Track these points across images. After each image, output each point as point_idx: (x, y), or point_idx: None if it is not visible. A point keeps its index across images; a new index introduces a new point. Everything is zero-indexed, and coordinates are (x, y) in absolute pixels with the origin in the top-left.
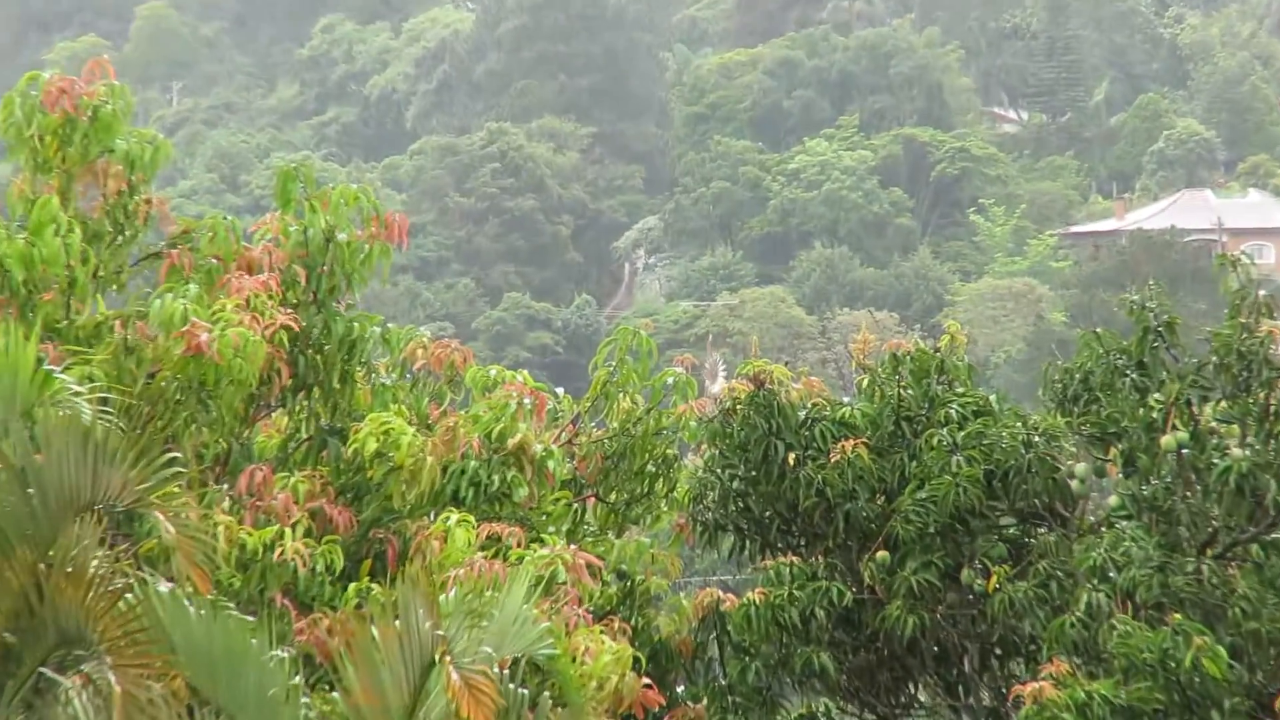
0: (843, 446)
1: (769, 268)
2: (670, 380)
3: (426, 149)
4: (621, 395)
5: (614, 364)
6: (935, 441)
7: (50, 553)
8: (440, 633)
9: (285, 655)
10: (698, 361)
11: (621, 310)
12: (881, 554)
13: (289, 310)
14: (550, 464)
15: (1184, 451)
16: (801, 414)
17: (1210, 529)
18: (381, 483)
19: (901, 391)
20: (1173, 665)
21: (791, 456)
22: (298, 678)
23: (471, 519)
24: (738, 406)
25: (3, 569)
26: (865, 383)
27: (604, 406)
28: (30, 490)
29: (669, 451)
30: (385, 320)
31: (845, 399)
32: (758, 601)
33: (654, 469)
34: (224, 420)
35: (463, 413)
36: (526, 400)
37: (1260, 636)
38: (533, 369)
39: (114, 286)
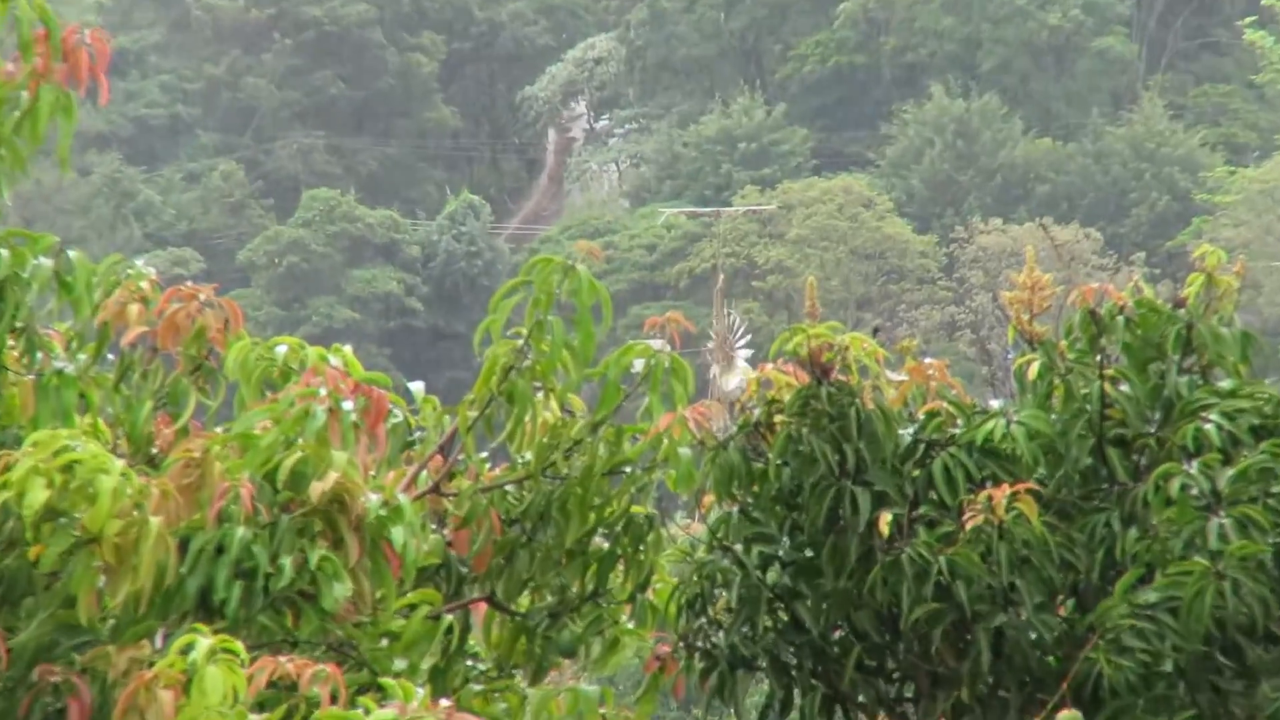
0: (989, 498)
1: (837, 136)
2: (638, 365)
3: None
4: (541, 395)
5: (526, 333)
6: (1176, 489)
7: None
8: None
9: None
10: (693, 327)
11: (540, 224)
12: (1068, 714)
13: None
14: (396, 535)
15: None
16: (906, 433)
17: None
18: (57, 571)
19: (1109, 386)
20: None
21: (885, 519)
22: None
23: (238, 645)
24: (777, 418)
25: None
26: (1035, 370)
27: (506, 417)
28: None
29: (637, 510)
30: (63, 245)
31: (994, 402)
32: None
33: (606, 544)
34: None
35: (221, 430)
36: (348, 405)
37: None
38: (362, 342)
39: None
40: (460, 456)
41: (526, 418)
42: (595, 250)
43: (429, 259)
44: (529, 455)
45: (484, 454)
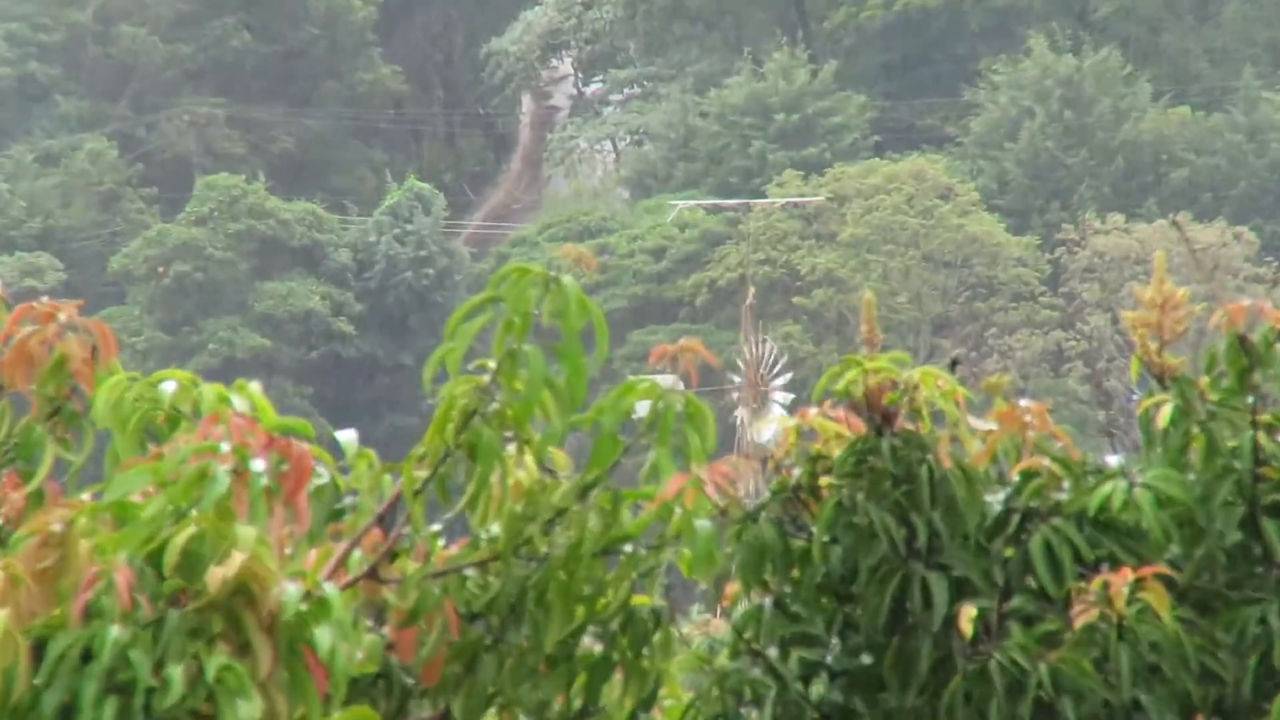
0: (1106, 586)
1: (905, 105)
2: (641, 409)
3: None
4: (513, 449)
5: (494, 366)
6: None
7: None
8: None
9: None
10: (715, 360)
11: (512, 221)
12: None
13: None
14: (321, 636)
15: None
16: (995, 500)
17: None
18: None
19: (1264, 437)
20: None
21: (968, 614)
22: None
23: None
24: (824, 480)
25: None
26: (1166, 415)
27: (467, 478)
28: None
29: (639, 602)
30: None
31: (1112, 458)
32: None
33: (599, 647)
34: None
35: (88, 496)
36: (258, 464)
37: None
38: (276, 378)
39: None
40: (405, 530)
41: (494, 479)
42: (586, 256)
43: (364, 268)
44: (496, 529)
45: (436, 527)
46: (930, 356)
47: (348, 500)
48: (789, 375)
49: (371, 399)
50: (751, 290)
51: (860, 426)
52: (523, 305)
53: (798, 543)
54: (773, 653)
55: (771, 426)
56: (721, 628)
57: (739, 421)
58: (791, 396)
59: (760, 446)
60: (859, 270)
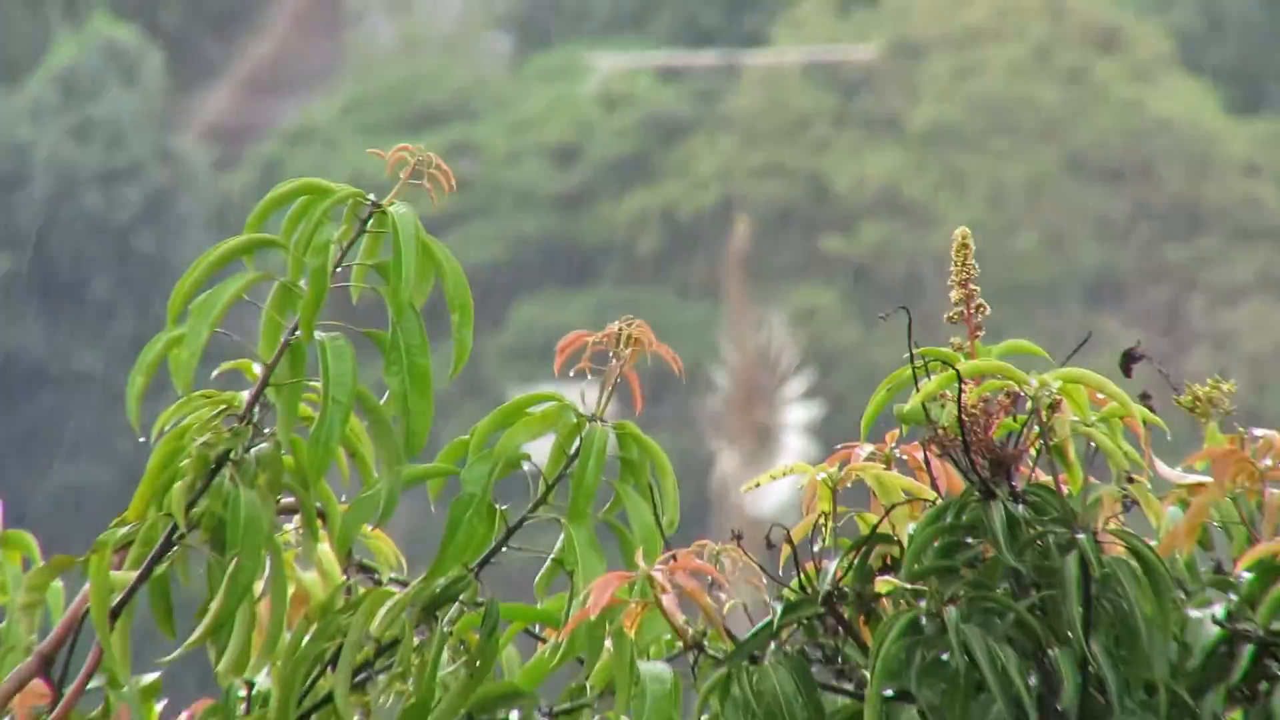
0: None
1: None
2: (537, 451)
3: None
4: (295, 531)
5: (260, 373)
6: None
7: None
8: None
9: None
10: (675, 359)
11: (292, 97)
12: None
13: None
14: None
15: None
16: (1204, 615)
17: None
18: None
19: None
20: None
21: None
22: None
23: None
24: (883, 584)
25: None
26: None
27: (209, 584)
28: None
29: None
30: None
31: None
32: None
33: None
34: None
35: None
36: None
37: None
38: None
39: None
40: (99, 685)
41: (259, 585)
42: (435, 165)
43: (11, 187)
44: (265, 680)
45: (152, 676)
46: (1083, 346)
47: None
48: (813, 384)
49: (27, 433)
50: (743, 225)
51: (953, 480)
52: (316, 257)
53: (839, 701)
54: None
55: (782, 483)
56: None
57: (720, 473)
58: (810, 431)
59: (761, 521)
60: (943, 186)
